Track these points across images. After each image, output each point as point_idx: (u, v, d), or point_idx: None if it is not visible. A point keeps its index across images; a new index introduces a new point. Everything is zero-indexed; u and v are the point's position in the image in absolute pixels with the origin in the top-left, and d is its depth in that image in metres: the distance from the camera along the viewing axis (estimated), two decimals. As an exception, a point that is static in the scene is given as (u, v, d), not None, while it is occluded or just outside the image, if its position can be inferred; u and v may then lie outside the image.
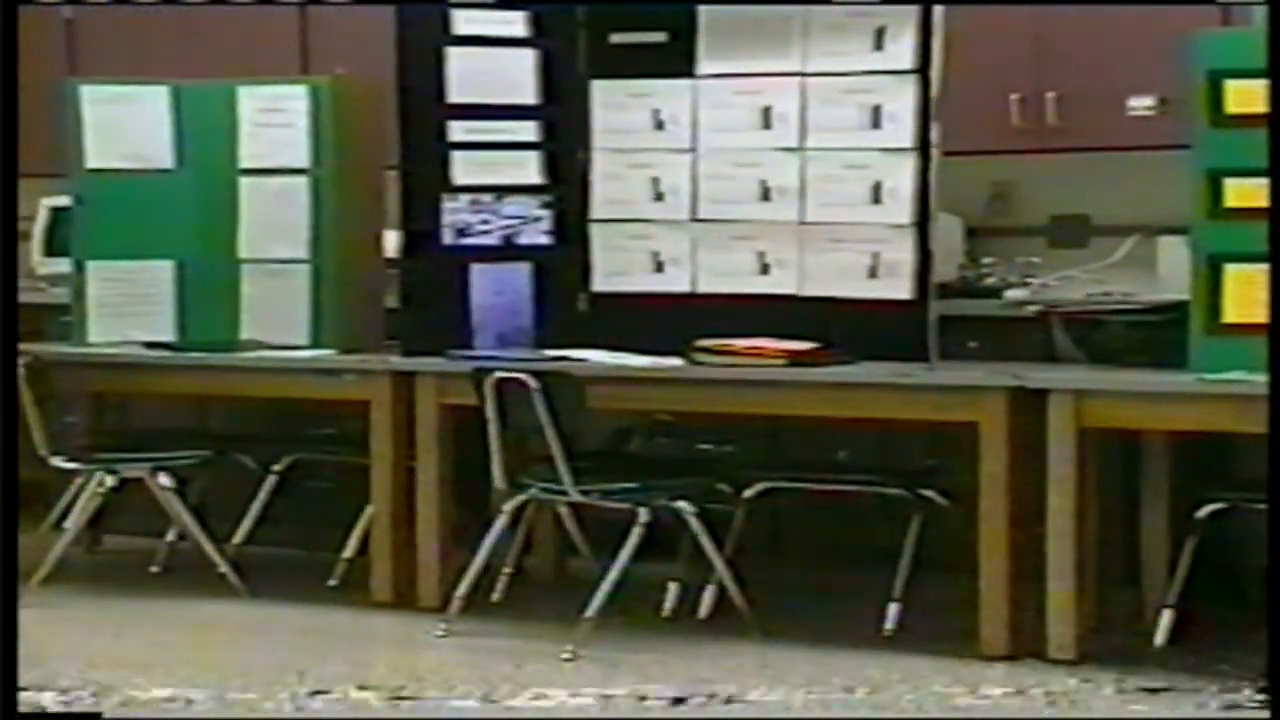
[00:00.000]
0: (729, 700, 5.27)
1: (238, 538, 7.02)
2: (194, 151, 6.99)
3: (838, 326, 6.02)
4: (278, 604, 6.55)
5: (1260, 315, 5.33)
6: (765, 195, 6.25)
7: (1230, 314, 5.46)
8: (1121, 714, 5.16)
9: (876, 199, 6.09)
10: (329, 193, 6.83)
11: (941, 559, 5.92)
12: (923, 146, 5.99)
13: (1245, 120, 5.41)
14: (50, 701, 5.18)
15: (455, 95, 6.50)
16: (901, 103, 6.03)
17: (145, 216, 6.97)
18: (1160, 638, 5.69)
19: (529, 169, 6.54)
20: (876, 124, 6.09)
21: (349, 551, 6.78)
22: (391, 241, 6.73)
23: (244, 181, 6.96)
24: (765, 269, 6.25)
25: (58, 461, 6.68)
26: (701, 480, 6.14)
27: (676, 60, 6.33)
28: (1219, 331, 5.47)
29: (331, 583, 6.77)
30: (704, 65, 6.32)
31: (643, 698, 5.29)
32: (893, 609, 5.96)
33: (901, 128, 6.03)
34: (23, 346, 6.00)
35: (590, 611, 5.79)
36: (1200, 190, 5.50)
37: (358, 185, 6.83)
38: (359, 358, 6.58)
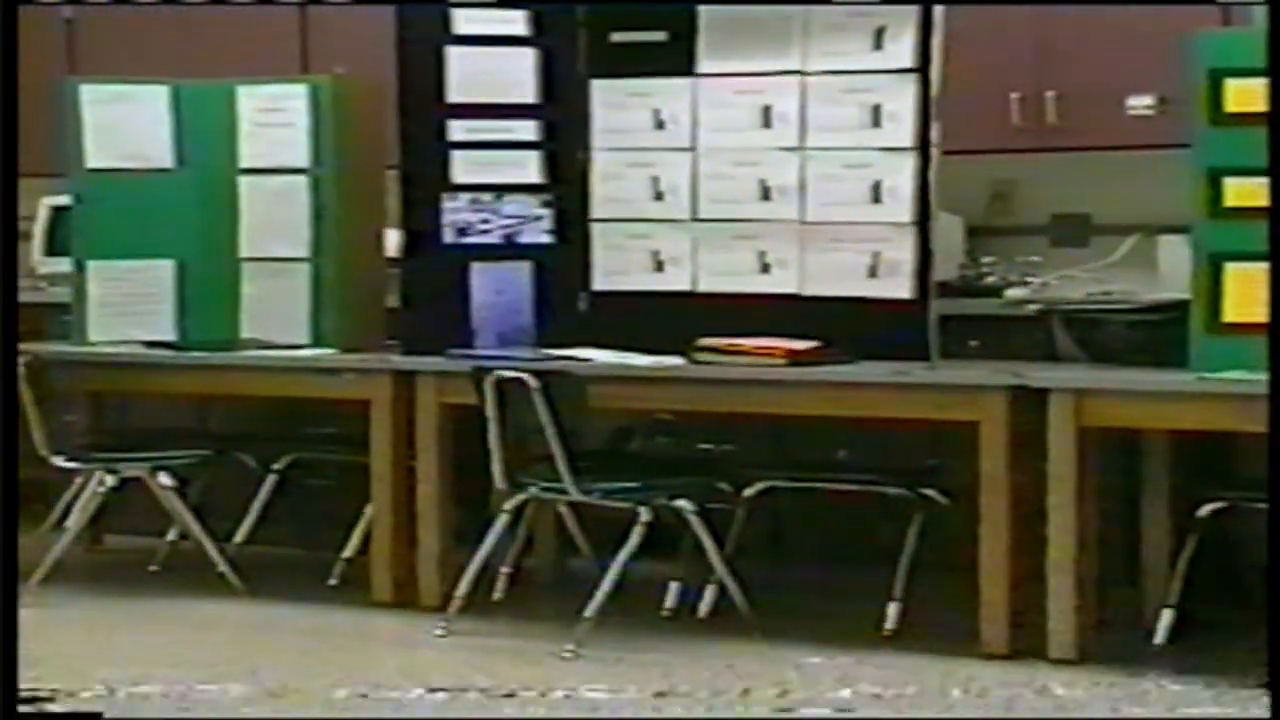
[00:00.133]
0: (730, 700, 5.27)
1: (238, 537, 7.03)
2: (194, 151, 6.99)
3: (838, 325, 6.02)
4: (278, 603, 6.55)
5: (1260, 314, 5.33)
6: (765, 194, 6.25)
7: (1230, 313, 5.46)
8: (1121, 714, 5.16)
9: (877, 198, 6.09)
10: (329, 192, 6.83)
11: (942, 558, 5.92)
12: (923, 146, 5.99)
13: (1245, 119, 5.41)
14: (50, 701, 5.17)
15: (455, 94, 6.50)
16: (902, 102, 6.03)
17: (145, 216, 6.97)
18: (1160, 637, 5.70)
19: (529, 168, 6.54)
20: (877, 123, 6.09)
21: (349, 551, 6.78)
22: (392, 241, 6.74)
23: (244, 181, 6.96)
24: (766, 268, 6.25)
25: (58, 461, 6.68)
26: (702, 479, 6.15)
27: (677, 59, 6.33)
28: (1219, 331, 5.47)
29: (332, 582, 6.77)
30: (704, 64, 6.32)
31: (643, 697, 5.29)
32: (893, 608, 5.97)
33: (902, 127, 6.03)
34: (23, 346, 6.00)
35: (590, 611, 5.79)
36: (1200, 189, 5.50)
37: (358, 184, 6.83)
38: (359, 357, 6.58)
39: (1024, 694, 5.30)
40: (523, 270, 6.54)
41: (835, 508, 6.51)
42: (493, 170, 6.53)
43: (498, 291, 6.52)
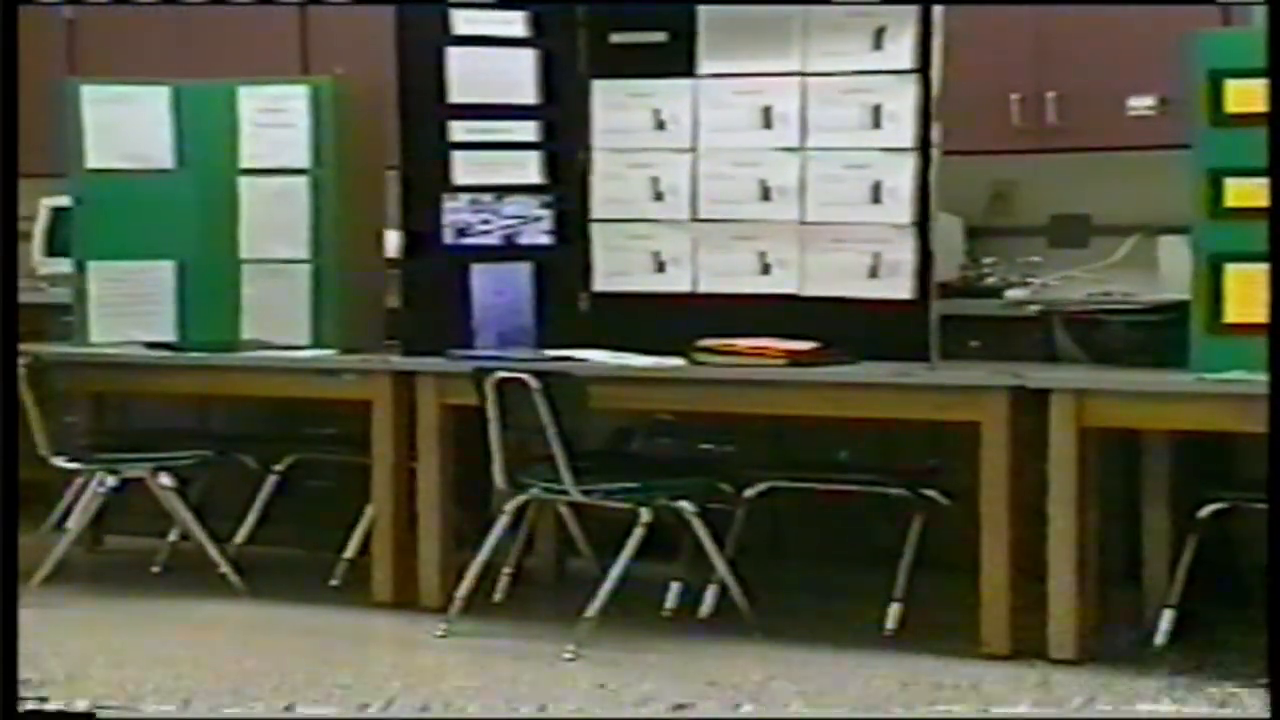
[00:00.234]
0: (730, 700, 5.27)
1: (239, 538, 7.03)
2: (194, 151, 6.99)
3: (839, 326, 6.02)
4: (279, 604, 6.55)
5: (1261, 315, 5.33)
6: (766, 195, 6.25)
7: (1231, 314, 5.46)
8: (1122, 714, 5.16)
9: (877, 199, 6.09)
10: (329, 193, 6.83)
11: (942, 558, 5.93)
12: (923, 146, 5.99)
13: (1245, 120, 5.41)
14: (50, 701, 5.17)
15: (456, 95, 6.50)
16: (902, 102, 6.03)
17: (146, 217, 6.97)
18: (1161, 637, 5.70)
19: (529, 169, 6.54)
20: (877, 124, 6.09)
21: (350, 551, 6.78)
22: (392, 241, 6.74)
23: (244, 181, 6.96)
24: (766, 269, 6.25)
25: (59, 461, 6.69)
26: (703, 480, 6.15)
27: (677, 60, 6.33)
28: (1219, 331, 5.47)
29: (332, 583, 6.77)
30: (704, 65, 6.32)
31: (644, 698, 5.29)
32: (894, 608, 5.97)
33: (902, 127, 6.03)
34: (23, 347, 6.00)
35: (591, 611, 5.79)
36: (1201, 190, 5.50)
37: (358, 185, 6.83)
38: (360, 358, 6.58)
39: (1024, 694, 5.30)
40: (523, 271, 6.54)
41: (836, 508, 6.52)
42: (493, 171, 6.53)
43: (498, 292, 6.52)
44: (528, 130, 6.54)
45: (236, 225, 6.95)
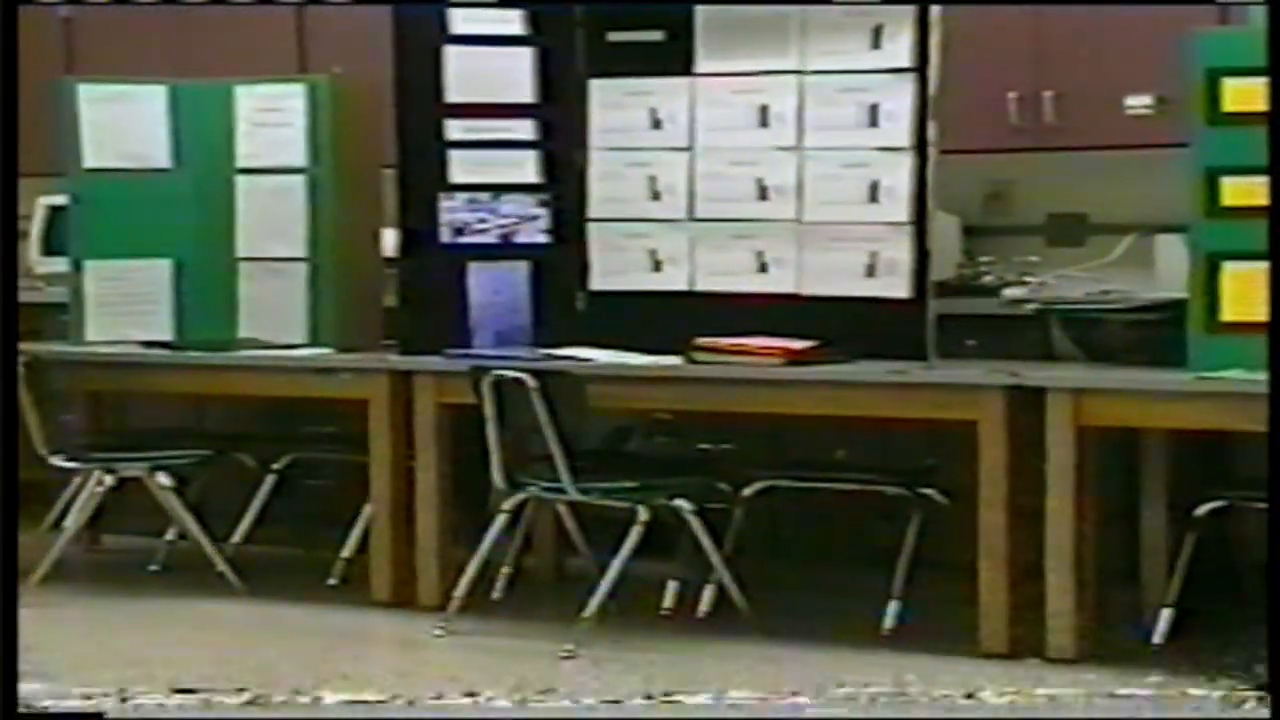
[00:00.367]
0: (728, 699, 5.27)
1: (236, 537, 7.02)
2: (191, 151, 6.99)
3: (836, 325, 6.02)
4: (277, 603, 6.55)
5: (1258, 314, 5.34)
6: (763, 194, 6.25)
7: (1228, 312, 5.46)
8: (1120, 713, 5.16)
9: (874, 198, 6.09)
10: (326, 192, 6.83)
11: (940, 557, 5.92)
12: (920, 145, 5.99)
13: (1243, 118, 5.41)
14: (49, 701, 5.17)
15: (453, 94, 6.50)
16: (899, 101, 6.03)
17: (143, 216, 6.97)
18: (1159, 636, 5.70)
19: (527, 168, 6.54)
20: (874, 123, 6.09)
21: (348, 550, 6.78)
22: (389, 240, 6.73)
23: (241, 180, 6.96)
24: (763, 268, 6.25)
25: (56, 461, 6.69)
26: (700, 479, 6.15)
27: (674, 59, 6.33)
28: (1217, 330, 5.48)
29: (330, 582, 6.77)
30: (701, 64, 6.32)
31: (642, 696, 5.29)
32: (892, 607, 5.97)
33: (899, 126, 6.03)
34: (21, 346, 5.99)
35: (589, 610, 5.79)
36: (1198, 188, 5.50)
37: (355, 184, 6.83)
38: (357, 357, 6.58)
39: (1022, 693, 5.30)
40: (520, 270, 6.54)
41: (834, 507, 6.52)
42: (490, 170, 6.52)
43: (495, 291, 6.52)
44: (525, 129, 6.54)
45: (233, 224, 6.96)
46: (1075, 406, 5.51)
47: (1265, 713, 5.00)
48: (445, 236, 6.51)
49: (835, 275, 6.13)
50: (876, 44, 6.08)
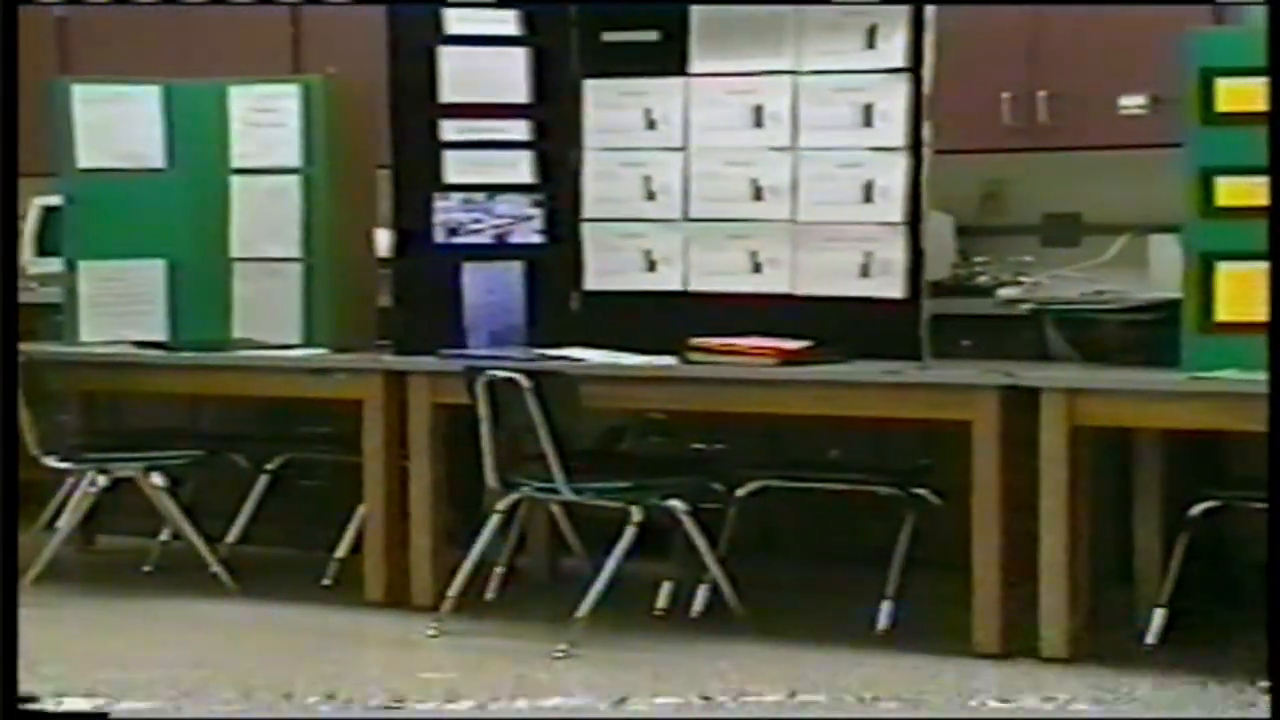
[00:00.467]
0: (722, 699, 5.27)
1: (230, 537, 7.02)
2: (185, 151, 6.99)
3: (830, 325, 6.02)
4: (270, 603, 6.55)
5: (1252, 314, 5.34)
6: (757, 194, 6.25)
7: (1222, 312, 5.46)
8: (1113, 713, 5.16)
9: (868, 198, 6.09)
10: (321, 192, 6.83)
11: (934, 557, 5.92)
12: (915, 145, 6.00)
13: (1237, 118, 5.42)
14: (41, 701, 5.16)
15: (447, 94, 6.50)
16: (893, 101, 6.03)
17: (137, 216, 6.97)
18: (1152, 636, 5.70)
19: (521, 168, 6.54)
20: (868, 123, 6.09)
21: (342, 551, 6.78)
22: (384, 240, 6.73)
23: (235, 181, 6.96)
24: (757, 268, 6.25)
25: (50, 461, 6.68)
26: (694, 479, 6.15)
27: (669, 59, 6.33)
28: (1211, 330, 5.48)
29: (324, 582, 6.76)
30: (696, 64, 6.32)
31: (636, 696, 5.29)
32: (885, 607, 5.97)
33: (893, 126, 6.03)
34: (14, 346, 6.00)
35: (583, 610, 5.79)
36: (1192, 189, 5.50)
37: (350, 184, 6.83)
38: (351, 357, 6.57)
39: (1016, 693, 5.31)
40: (514, 270, 6.53)
41: (828, 507, 6.52)
42: (484, 170, 6.52)
43: (489, 291, 6.52)
44: (520, 129, 6.54)
45: (228, 224, 6.95)
46: (1069, 406, 5.52)
47: (1259, 713, 5.00)
48: (440, 236, 6.51)
49: (830, 275, 6.13)
50: (871, 44, 6.08)
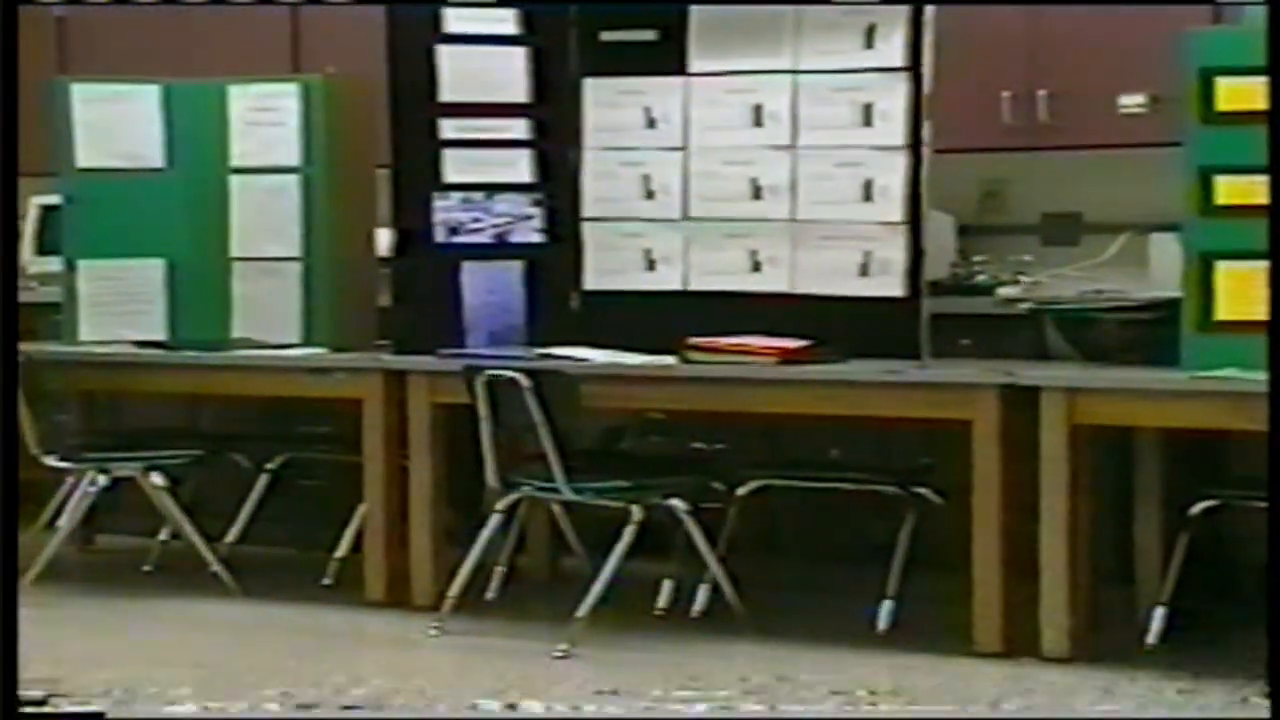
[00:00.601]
0: (723, 699, 5.27)
1: (230, 537, 7.02)
2: (185, 150, 6.99)
3: (830, 324, 6.02)
4: (271, 603, 6.55)
5: (1252, 312, 5.34)
6: (757, 193, 6.25)
7: (1222, 311, 5.46)
8: (1114, 712, 5.16)
9: (868, 197, 6.09)
10: (320, 191, 6.83)
11: (935, 556, 5.93)
12: (914, 144, 6.00)
13: (1237, 117, 5.41)
14: (44, 702, 5.16)
15: (447, 93, 6.50)
16: (893, 100, 6.03)
17: (136, 215, 6.97)
18: (1153, 635, 5.69)
19: (520, 167, 6.54)
20: (868, 122, 6.09)
21: (342, 550, 6.78)
22: (383, 240, 6.73)
23: (235, 180, 6.96)
24: (757, 267, 6.25)
25: (50, 460, 6.68)
26: (695, 478, 6.15)
27: (668, 58, 6.33)
28: (1211, 329, 5.48)
29: (325, 581, 6.76)
30: (695, 63, 6.32)
31: (636, 696, 5.29)
32: (886, 606, 5.97)
33: (893, 125, 6.03)
34: (13, 346, 6.00)
35: (583, 610, 5.78)
36: (1192, 188, 5.50)
37: (349, 184, 6.83)
38: (351, 356, 6.57)
39: (1017, 692, 5.31)
40: (514, 269, 6.53)
41: (828, 506, 6.52)
42: (484, 169, 6.52)
43: (489, 291, 6.52)
44: (519, 129, 6.54)
45: (227, 224, 6.95)
46: (1069, 405, 5.51)
47: (1256, 712, 5.00)
48: (439, 236, 6.50)
49: (829, 274, 6.13)
50: (870, 43, 6.08)
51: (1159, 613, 5.71)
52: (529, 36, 6.51)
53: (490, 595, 6.46)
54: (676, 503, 5.93)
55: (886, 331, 5.96)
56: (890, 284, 6.03)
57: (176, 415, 7.56)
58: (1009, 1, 6.64)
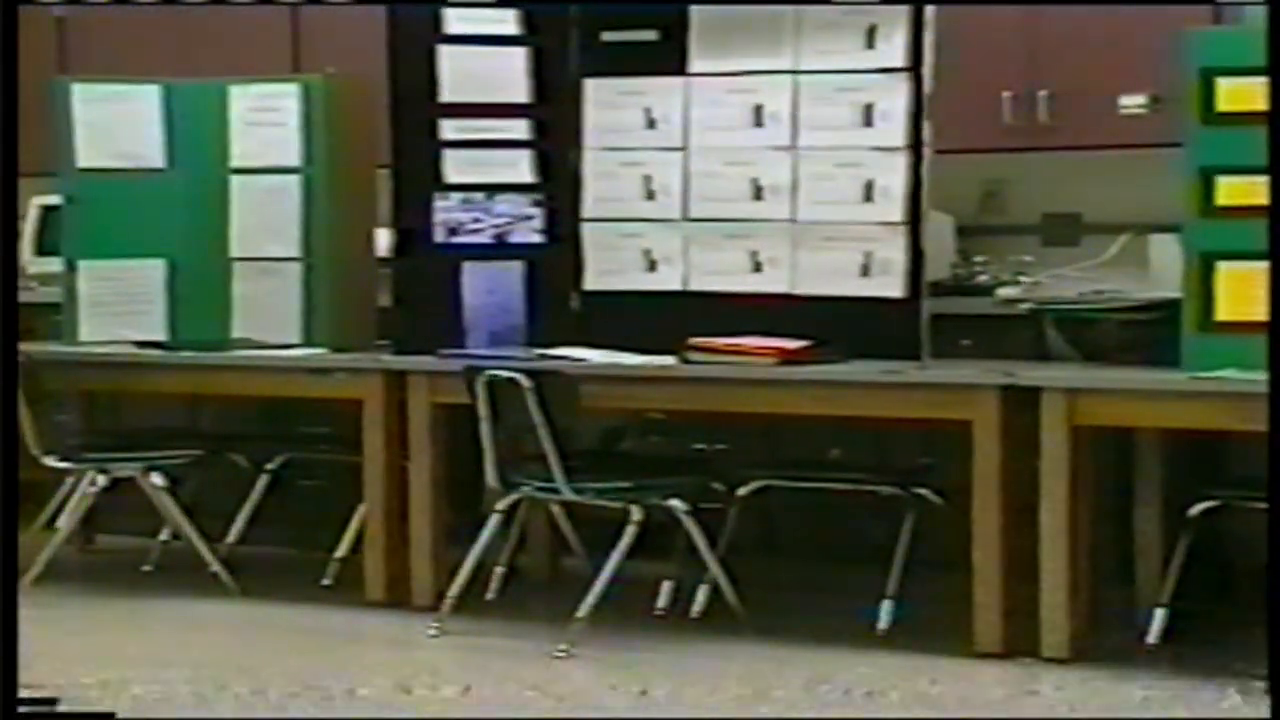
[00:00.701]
0: (723, 699, 5.26)
1: (230, 537, 7.01)
2: (185, 150, 6.99)
3: (830, 325, 6.02)
4: (270, 603, 6.54)
5: (1252, 313, 5.34)
6: (757, 194, 6.25)
7: (1223, 312, 5.46)
8: (1115, 713, 5.16)
9: (868, 197, 6.09)
10: (320, 191, 6.83)
11: (935, 557, 5.92)
12: (915, 145, 6.00)
13: (1237, 118, 5.41)
14: (44, 703, 5.16)
15: (447, 94, 6.50)
16: (893, 101, 6.03)
17: (136, 215, 6.97)
18: (1153, 636, 5.69)
19: (521, 167, 6.54)
20: (868, 122, 6.09)
21: (342, 551, 6.77)
22: (383, 240, 6.73)
23: (235, 180, 6.96)
24: (757, 267, 6.25)
25: (50, 461, 6.68)
26: (695, 479, 6.14)
27: (668, 58, 6.33)
28: (1211, 329, 5.48)
29: (324, 582, 6.76)
30: (696, 63, 6.32)
31: (636, 696, 5.29)
32: (886, 607, 5.96)
33: (893, 126, 6.03)
34: (13, 346, 6.00)
35: (583, 610, 5.78)
36: (1192, 188, 5.50)
37: (349, 184, 6.83)
38: (351, 357, 6.57)
39: (1017, 693, 5.31)
40: (514, 270, 6.53)
41: (828, 507, 6.52)
42: (484, 169, 6.52)
43: (489, 291, 6.52)
44: (519, 129, 6.54)
45: (227, 224, 6.95)
46: (1069, 406, 5.51)
47: (1255, 712, 5.00)
48: (439, 236, 6.50)
49: (830, 275, 6.13)
50: (871, 44, 6.08)
51: (1159, 613, 5.71)
52: (529, 37, 6.51)
53: (490, 595, 6.46)
54: (676, 503, 5.93)
55: (887, 332, 5.96)
56: (890, 284, 6.03)
57: (176, 415, 7.56)
58: (1009, 1, 6.64)
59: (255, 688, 5.37)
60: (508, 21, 6.50)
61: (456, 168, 6.51)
